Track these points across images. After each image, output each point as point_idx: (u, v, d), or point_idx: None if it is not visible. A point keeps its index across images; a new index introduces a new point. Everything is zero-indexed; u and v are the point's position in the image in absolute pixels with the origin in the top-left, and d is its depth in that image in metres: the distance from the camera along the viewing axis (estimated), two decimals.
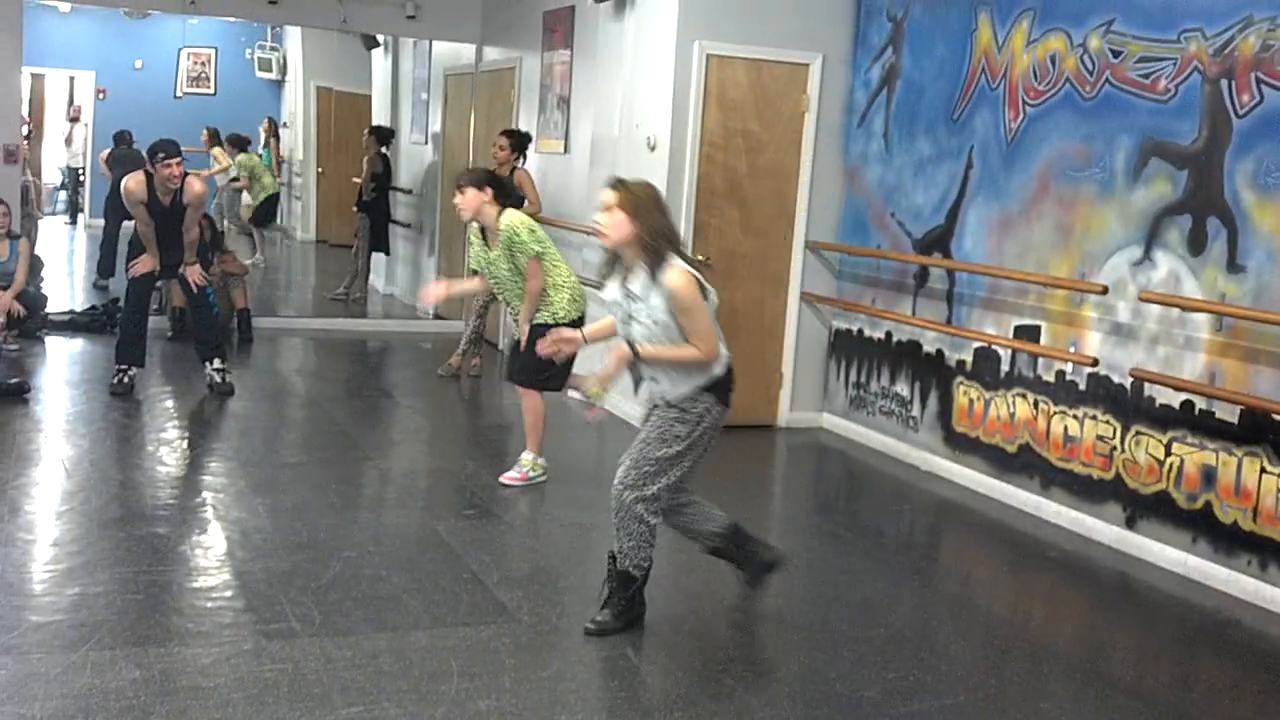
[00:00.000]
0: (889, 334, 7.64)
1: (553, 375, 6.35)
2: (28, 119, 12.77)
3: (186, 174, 7.69)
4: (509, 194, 6.59)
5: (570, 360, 6.10)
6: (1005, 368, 6.71)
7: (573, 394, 6.26)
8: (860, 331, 7.92)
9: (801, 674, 4.31)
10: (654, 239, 4.34)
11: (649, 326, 4.39)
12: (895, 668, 4.38)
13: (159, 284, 8.45)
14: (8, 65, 9.74)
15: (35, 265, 9.43)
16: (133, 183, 7.65)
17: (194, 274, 7.92)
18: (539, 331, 6.04)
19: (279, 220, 15.68)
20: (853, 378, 7.98)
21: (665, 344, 4.38)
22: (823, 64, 7.87)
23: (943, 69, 7.20)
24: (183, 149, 7.65)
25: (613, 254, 4.49)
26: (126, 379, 7.76)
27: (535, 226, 6.37)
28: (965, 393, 7.01)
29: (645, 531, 4.50)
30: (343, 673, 3.99)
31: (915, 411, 7.39)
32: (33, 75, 16.50)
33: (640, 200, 4.39)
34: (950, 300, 7.12)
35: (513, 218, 6.29)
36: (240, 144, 14.40)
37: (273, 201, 14.72)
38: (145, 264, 7.81)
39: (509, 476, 6.41)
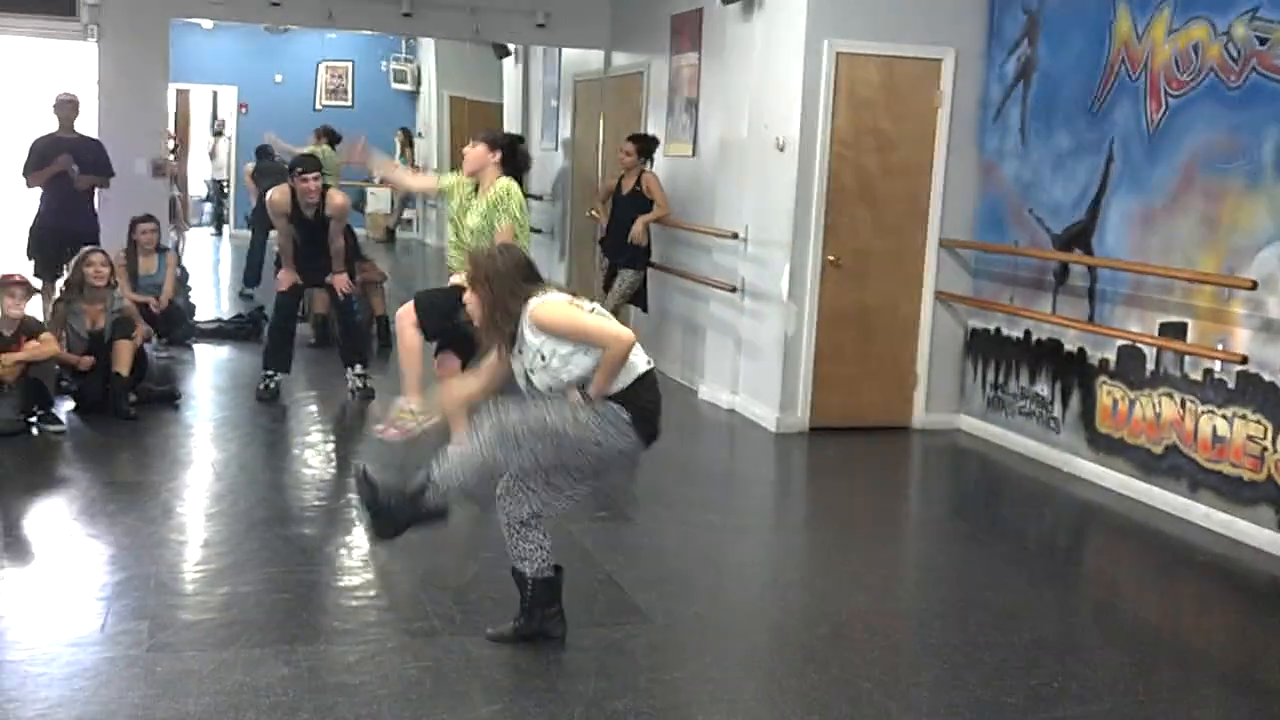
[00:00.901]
0: (1028, 333, 7.48)
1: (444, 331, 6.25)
2: (174, 134, 13.23)
3: (326, 187, 7.91)
4: (517, 168, 6.65)
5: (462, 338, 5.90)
6: (1150, 366, 6.52)
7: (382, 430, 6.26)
8: (998, 330, 7.77)
9: (941, 679, 4.25)
10: (497, 311, 4.01)
11: (547, 369, 3.98)
12: (1038, 674, 4.28)
13: (304, 293, 8.69)
14: (155, 83, 10.12)
15: (183, 277, 9.76)
16: (278, 194, 7.91)
17: (341, 282, 8.13)
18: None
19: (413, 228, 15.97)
20: (990, 378, 7.83)
21: (577, 373, 3.96)
22: (956, 59, 7.75)
23: (1080, 61, 7.03)
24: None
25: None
26: (273, 384, 8.00)
27: (523, 203, 6.42)
28: (1109, 392, 6.82)
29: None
30: (483, 671, 4.05)
31: (1056, 412, 7.22)
32: (178, 91, 17.09)
33: (480, 273, 4.06)
34: (1092, 297, 6.95)
35: (512, 184, 6.38)
36: (331, 138, 14.28)
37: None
38: (284, 280, 8.05)
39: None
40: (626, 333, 4.01)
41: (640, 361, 4.09)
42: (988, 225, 7.82)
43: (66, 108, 8.85)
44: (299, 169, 7.84)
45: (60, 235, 8.77)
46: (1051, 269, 7.27)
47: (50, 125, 8.99)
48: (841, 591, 5.03)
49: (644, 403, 4.05)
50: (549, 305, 4.00)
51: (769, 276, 7.92)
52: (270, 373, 8.02)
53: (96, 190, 9.13)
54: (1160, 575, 5.70)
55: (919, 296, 7.93)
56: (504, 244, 4.52)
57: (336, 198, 8.00)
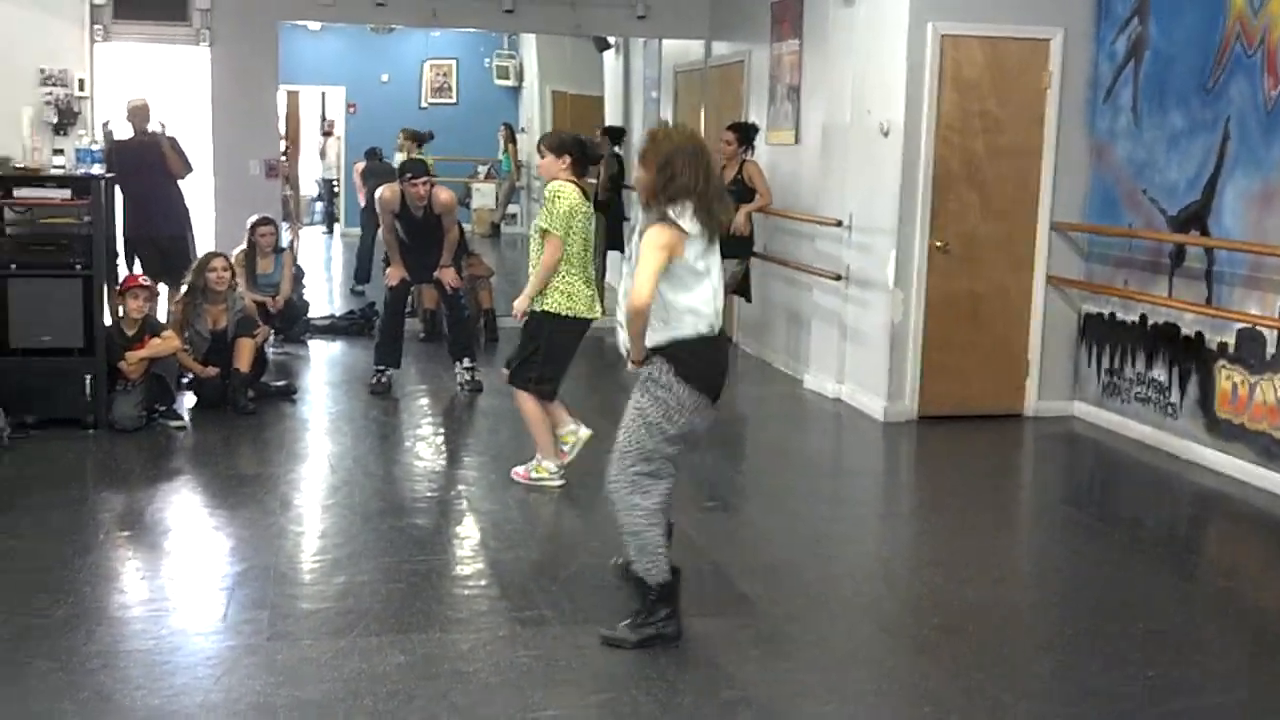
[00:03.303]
0: (1144, 317, 7.31)
1: (540, 377, 5.99)
2: (285, 135, 13.49)
3: (433, 184, 8.03)
4: (588, 162, 6.25)
5: (559, 363, 5.98)
6: (1271, 350, 6.33)
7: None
8: (1113, 315, 7.60)
9: (1056, 670, 4.18)
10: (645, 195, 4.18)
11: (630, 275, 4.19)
12: (1156, 665, 4.19)
13: (412, 288, 8.82)
14: (265, 85, 10.33)
15: (298, 275, 9.98)
16: (388, 192, 8.08)
17: (449, 276, 8.24)
18: (535, 319, 5.94)
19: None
20: (1105, 364, 7.67)
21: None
22: (1064, 38, 7.59)
23: (1193, 37, 6.84)
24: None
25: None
26: (385, 379, 8.14)
27: (576, 209, 5.91)
28: (1228, 377, 6.64)
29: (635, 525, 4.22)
30: (592, 660, 4.09)
31: (1174, 398, 7.05)
32: (288, 92, 17.45)
33: (648, 154, 4.18)
34: (1209, 280, 6.76)
35: (563, 187, 5.95)
36: (418, 139, 14.30)
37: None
38: (393, 275, 8.21)
39: (517, 472, 6.17)
40: (640, 298, 4.02)
41: (687, 328, 4.13)
42: (1100, 207, 7.65)
43: (140, 113, 9.01)
44: (409, 174, 7.98)
45: (149, 243, 8.87)
46: (1167, 251, 7.09)
47: (127, 131, 9.11)
48: (953, 582, 4.97)
49: (685, 357, 4.13)
50: (655, 231, 4.07)
51: (874, 264, 7.85)
52: (382, 368, 8.16)
53: (181, 188, 9.21)
54: None
55: (1030, 281, 7.79)
56: (690, 151, 4.16)
57: (443, 194, 8.12)
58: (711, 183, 4.17)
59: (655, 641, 4.17)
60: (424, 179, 7.93)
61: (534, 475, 6.12)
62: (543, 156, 6.11)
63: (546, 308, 5.92)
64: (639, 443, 4.18)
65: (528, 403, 6.05)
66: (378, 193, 8.31)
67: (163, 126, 9.03)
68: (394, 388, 8.21)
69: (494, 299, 10.45)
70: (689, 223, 4.07)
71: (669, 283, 4.10)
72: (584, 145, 6.20)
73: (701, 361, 4.18)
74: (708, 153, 4.21)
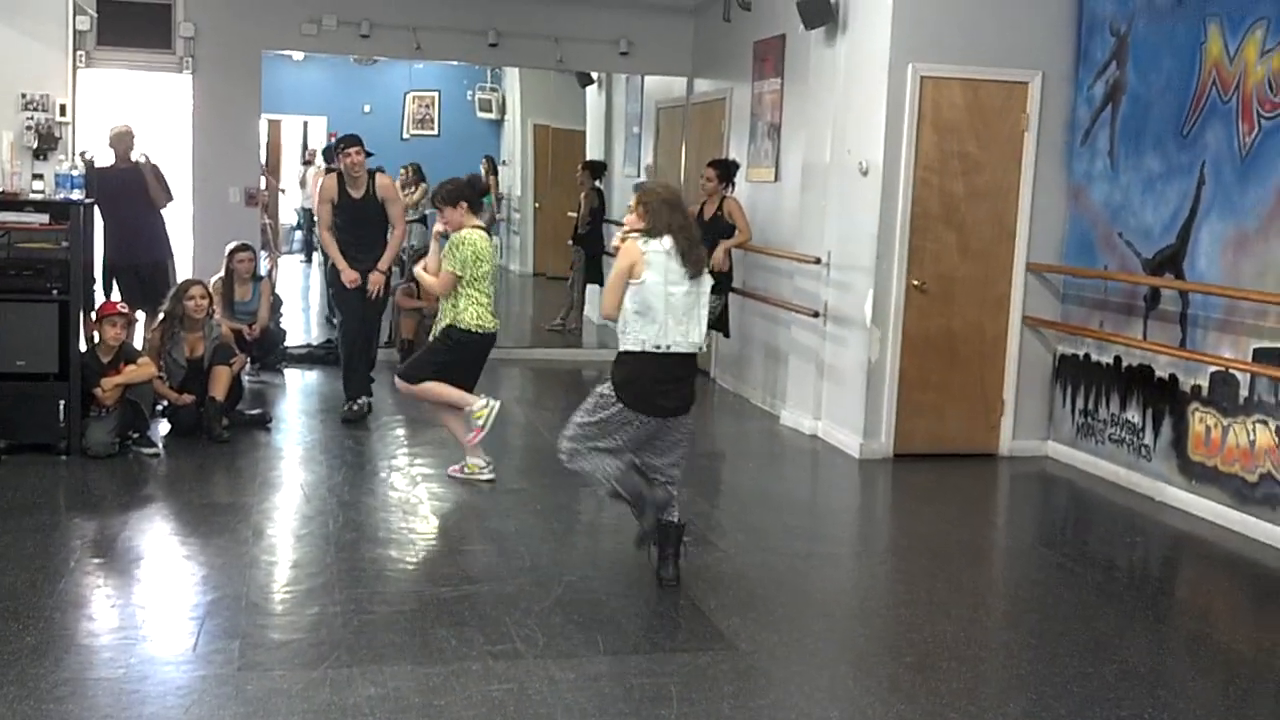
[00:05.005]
0: (1118, 358, 7.37)
1: (438, 369, 6.69)
2: (265, 165, 13.49)
3: (377, 169, 8.15)
4: (479, 196, 6.91)
5: (464, 368, 6.69)
6: (1244, 393, 6.38)
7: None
8: (1087, 356, 7.66)
9: (1029, 709, 4.18)
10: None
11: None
12: (1128, 705, 4.20)
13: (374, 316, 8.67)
14: (247, 113, 10.34)
15: (275, 303, 9.95)
16: (327, 181, 8.19)
17: (375, 281, 8.15)
18: (447, 333, 6.64)
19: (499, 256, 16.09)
20: (1080, 405, 7.72)
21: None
22: (1043, 81, 7.68)
23: (1170, 83, 6.93)
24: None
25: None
26: (357, 407, 8.12)
27: (480, 251, 6.61)
28: (1201, 419, 6.69)
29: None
30: (566, 694, 4.07)
31: (1148, 440, 7.09)
32: (269, 121, 17.45)
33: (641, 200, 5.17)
34: (1184, 323, 6.82)
35: (469, 234, 6.60)
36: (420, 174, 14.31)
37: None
38: (349, 276, 8.05)
39: (453, 469, 6.88)
40: (607, 307, 5.10)
41: (632, 343, 5.02)
42: (1076, 250, 7.72)
43: (123, 140, 8.99)
44: (341, 144, 8.11)
45: (130, 271, 8.84)
46: (1142, 294, 7.15)
47: (108, 157, 9.08)
48: (927, 620, 4.97)
49: (624, 369, 5.03)
50: (629, 247, 5.03)
51: (852, 301, 7.89)
52: (355, 398, 8.16)
53: (163, 215, 9.18)
54: (1254, 607, 5.56)
55: (1006, 322, 7.84)
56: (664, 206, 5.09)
57: (384, 179, 8.26)
58: (689, 223, 5.09)
59: (648, 536, 5.13)
60: (355, 147, 8.03)
61: (466, 471, 6.80)
62: (442, 212, 6.74)
63: (459, 323, 6.62)
64: (581, 425, 5.08)
65: (432, 387, 6.66)
66: (318, 183, 8.40)
67: (145, 157, 9.01)
68: (370, 417, 8.18)
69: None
70: (658, 246, 4.97)
71: (632, 299, 4.97)
72: (471, 184, 6.83)
73: (638, 376, 5.00)
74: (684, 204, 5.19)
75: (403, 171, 13.70)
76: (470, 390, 6.76)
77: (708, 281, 5.09)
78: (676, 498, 5.23)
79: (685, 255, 4.97)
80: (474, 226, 6.67)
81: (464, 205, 6.67)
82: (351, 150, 8.00)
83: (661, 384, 5.03)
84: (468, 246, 6.59)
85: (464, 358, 6.72)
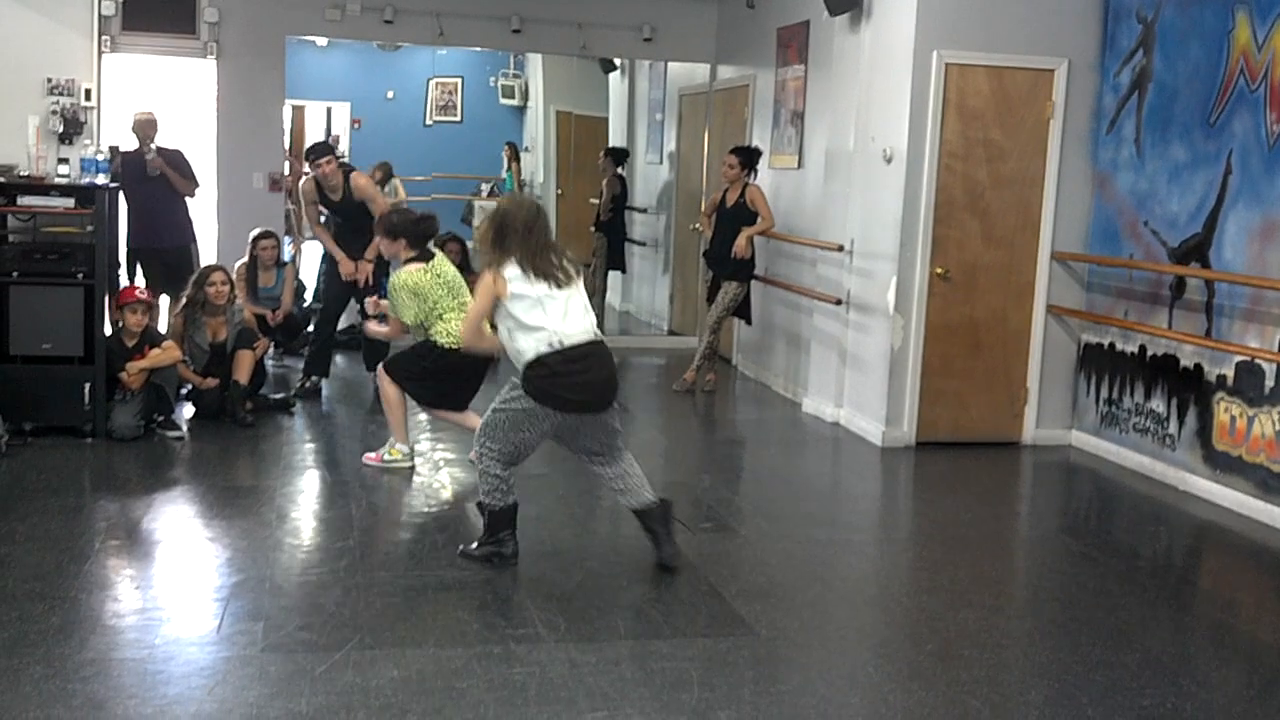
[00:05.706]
0: (1143, 347, 7.33)
1: (415, 380, 6.57)
2: (289, 150, 13.52)
3: (351, 170, 8.32)
4: (423, 239, 6.55)
5: (440, 381, 6.50)
6: (1270, 383, 6.34)
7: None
8: (1112, 345, 7.62)
9: (1051, 698, 4.17)
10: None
11: None
12: (1151, 694, 4.19)
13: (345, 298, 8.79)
14: (272, 98, 10.36)
15: (299, 289, 9.98)
16: (306, 185, 8.34)
17: (364, 270, 8.35)
18: (427, 343, 6.45)
19: None
20: (1104, 394, 7.68)
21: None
22: (1068, 69, 7.63)
23: (1198, 71, 6.88)
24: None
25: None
26: (310, 384, 8.45)
27: (420, 286, 6.33)
28: (1226, 409, 6.65)
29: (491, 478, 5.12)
30: (587, 678, 4.08)
31: (1172, 429, 7.06)
32: (293, 107, 17.49)
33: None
34: (1209, 312, 6.78)
35: (405, 273, 6.38)
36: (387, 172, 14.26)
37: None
38: (346, 267, 8.35)
39: (369, 457, 6.76)
40: (462, 337, 5.59)
41: (529, 352, 4.93)
42: (1101, 238, 7.68)
43: (146, 126, 8.98)
44: (311, 155, 8.23)
45: (154, 255, 8.84)
46: (1168, 283, 7.11)
47: (132, 143, 9.07)
48: (949, 608, 4.97)
49: (530, 376, 4.95)
50: (485, 279, 5.04)
51: (875, 289, 7.87)
52: (313, 374, 8.49)
53: (187, 201, 9.18)
54: (1278, 596, 5.53)
55: (1030, 310, 7.81)
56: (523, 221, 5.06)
57: (360, 179, 8.34)
58: (538, 241, 5.02)
59: (495, 558, 5.09)
60: (326, 158, 8.16)
61: (386, 458, 6.66)
62: (379, 241, 6.65)
63: (434, 339, 6.43)
64: (491, 429, 5.07)
65: (390, 388, 6.56)
66: (300, 185, 8.62)
67: (154, 152, 8.83)
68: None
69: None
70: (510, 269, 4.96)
71: (506, 319, 5.00)
72: (419, 222, 6.57)
73: (548, 379, 4.89)
74: (543, 218, 5.10)
75: (374, 171, 13.61)
76: (466, 405, 6.61)
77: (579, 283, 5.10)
78: (636, 474, 5.22)
79: (538, 272, 4.94)
80: (409, 261, 6.44)
81: (403, 241, 6.46)
82: (323, 162, 8.15)
83: (577, 383, 4.94)
84: (404, 289, 6.33)
85: (447, 367, 6.43)
